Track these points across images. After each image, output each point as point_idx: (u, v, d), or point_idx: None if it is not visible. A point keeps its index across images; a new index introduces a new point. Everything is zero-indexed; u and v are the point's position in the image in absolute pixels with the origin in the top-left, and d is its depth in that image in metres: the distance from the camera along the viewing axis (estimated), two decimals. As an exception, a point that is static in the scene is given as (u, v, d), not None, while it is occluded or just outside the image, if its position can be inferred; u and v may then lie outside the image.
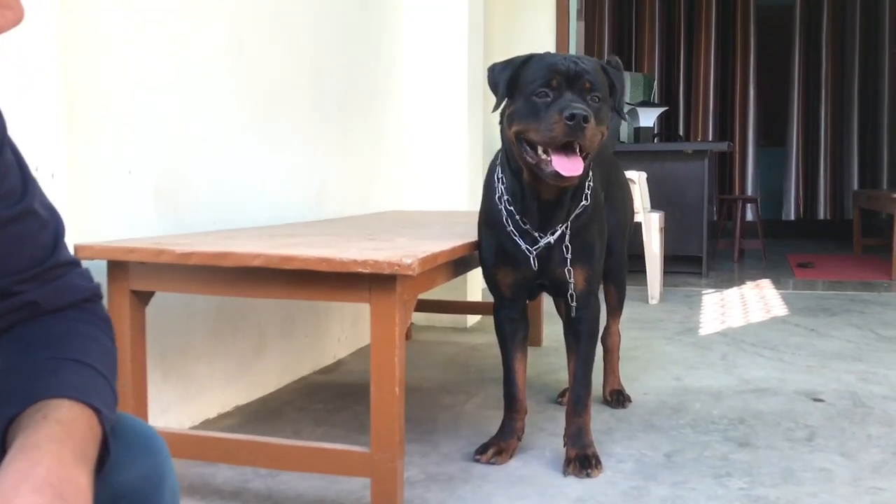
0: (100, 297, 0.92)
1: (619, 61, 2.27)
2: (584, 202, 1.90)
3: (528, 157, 1.77)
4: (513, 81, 1.81)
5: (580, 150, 1.70)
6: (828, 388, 2.71)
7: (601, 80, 1.78)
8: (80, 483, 0.69)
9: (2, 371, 0.80)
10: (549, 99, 1.71)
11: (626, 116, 1.97)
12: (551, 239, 1.88)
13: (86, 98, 1.86)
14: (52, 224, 0.87)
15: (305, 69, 2.86)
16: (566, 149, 1.69)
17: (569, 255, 1.91)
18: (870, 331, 3.69)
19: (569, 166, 1.69)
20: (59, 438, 0.71)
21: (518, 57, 1.84)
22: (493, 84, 1.86)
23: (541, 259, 1.91)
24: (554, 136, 1.67)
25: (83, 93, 1.85)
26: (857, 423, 2.32)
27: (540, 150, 1.73)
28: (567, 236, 1.90)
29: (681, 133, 9.12)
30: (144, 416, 1.79)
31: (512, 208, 1.89)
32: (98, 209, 1.92)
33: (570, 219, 1.89)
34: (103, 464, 0.75)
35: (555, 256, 1.92)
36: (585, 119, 1.63)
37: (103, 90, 1.92)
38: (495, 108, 1.87)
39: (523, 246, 1.90)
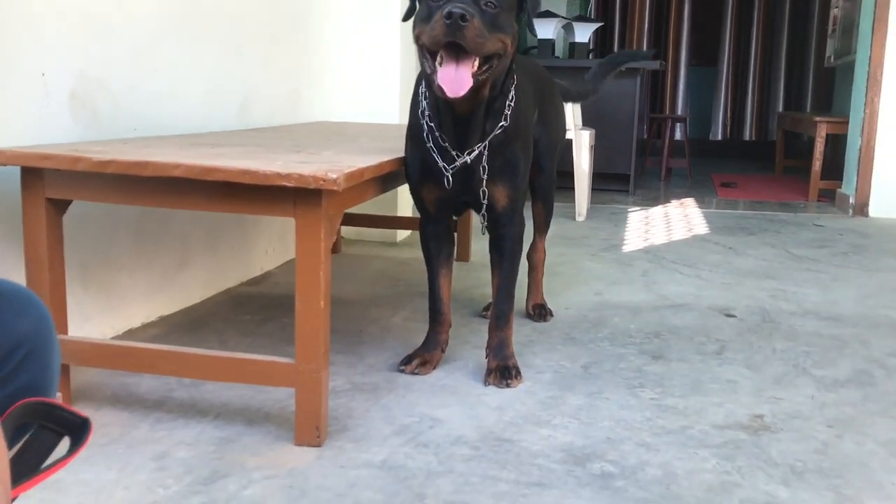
0: None
1: None
2: (503, 122, 1.88)
3: (426, 67, 1.76)
4: None
5: (471, 56, 1.67)
6: (740, 304, 2.83)
7: None
8: None
9: None
10: (441, 2, 1.67)
11: (535, 26, 1.93)
12: (468, 158, 1.86)
13: (-7, -6, 1.76)
14: None
15: (231, -29, 2.75)
16: (457, 57, 1.67)
17: (485, 177, 1.91)
18: (783, 250, 3.84)
19: (454, 85, 1.67)
20: None
21: None
22: None
23: (461, 177, 1.91)
24: (435, 36, 1.65)
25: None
26: (764, 338, 2.44)
27: (437, 60, 1.71)
28: (485, 157, 1.89)
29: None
30: (64, 325, 1.77)
31: (433, 124, 1.89)
32: (10, 112, 1.84)
33: (489, 138, 1.88)
34: None
35: (476, 175, 1.92)
36: (463, 18, 1.61)
37: (12, -14, 1.81)
38: (405, 17, 1.85)
39: (440, 163, 1.89)
